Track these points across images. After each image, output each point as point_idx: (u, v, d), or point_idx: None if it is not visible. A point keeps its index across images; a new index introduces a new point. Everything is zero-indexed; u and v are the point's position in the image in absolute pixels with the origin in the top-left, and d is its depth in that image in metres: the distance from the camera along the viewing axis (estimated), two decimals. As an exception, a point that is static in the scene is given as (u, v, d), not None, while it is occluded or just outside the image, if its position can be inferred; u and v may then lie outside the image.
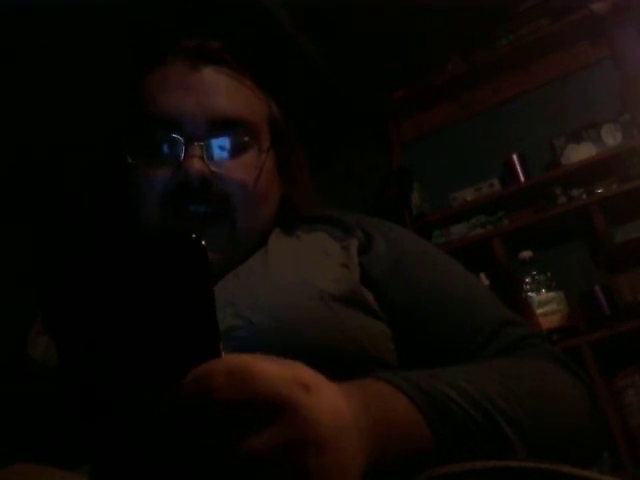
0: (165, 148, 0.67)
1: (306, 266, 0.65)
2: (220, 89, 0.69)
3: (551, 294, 2.13)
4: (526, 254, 2.22)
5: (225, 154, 0.68)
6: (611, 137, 2.28)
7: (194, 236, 0.34)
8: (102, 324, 0.33)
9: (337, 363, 0.37)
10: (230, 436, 0.32)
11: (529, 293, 2.15)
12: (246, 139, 0.69)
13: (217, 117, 0.67)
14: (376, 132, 2.76)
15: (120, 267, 0.33)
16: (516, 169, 2.40)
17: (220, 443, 0.31)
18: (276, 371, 0.33)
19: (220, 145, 0.68)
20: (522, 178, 2.38)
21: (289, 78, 0.76)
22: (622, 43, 2.39)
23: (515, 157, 2.41)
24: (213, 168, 0.66)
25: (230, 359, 0.33)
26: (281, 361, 0.35)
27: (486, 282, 2.32)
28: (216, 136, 0.67)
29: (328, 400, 0.35)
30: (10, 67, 1.70)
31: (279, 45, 2.09)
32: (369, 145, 2.75)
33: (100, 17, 1.68)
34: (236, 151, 0.68)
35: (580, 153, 2.29)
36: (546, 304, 2.11)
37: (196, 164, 0.64)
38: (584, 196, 2.24)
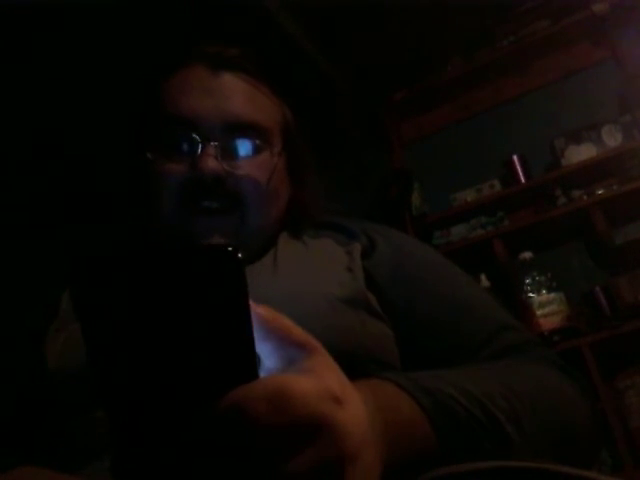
0: (183, 146, 0.70)
1: (312, 270, 0.67)
2: (237, 94, 0.72)
3: (551, 295, 2.12)
4: (526, 255, 2.22)
5: (238, 155, 0.71)
6: (611, 138, 2.28)
7: (231, 248, 0.32)
8: (134, 337, 0.32)
9: (341, 365, 0.37)
10: (272, 459, 0.32)
11: (529, 294, 2.15)
12: (259, 142, 0.72)
13: (233, 120, 0.70)
14: (376, 133, 2.76)
15: (155, 279, 0.32)
16: (516, 170, 2.40)
17: (262, 466, 0.31)
18: (311, 389, 0.33)
19: (234, 146, 0.71)
20: (522, 179, 2.38)
21: (289, 78, 0.78)
22: (622, 44, 2.39)
23: (515, 158, 2.41)
24: (227, 167, 0.69)
25: (268, 382, 0.33)
26: (313, 369, 0.35)
27: (486, 283, 2.32)
28: (231, 138, 0.70)
29: (356, 410, 0.36)
30: (33, 66, 1.72)
31: (279, 45, 2.09)
32: (369, 146, 2.75)
33: (121, 17, 1.70)
34: (249, 152, 0.71)
35: (580, 154, 2.29)
36: (546, 305, 2.11)
37: (210, 163, 0.67)
38: (584, 197, 2.24)
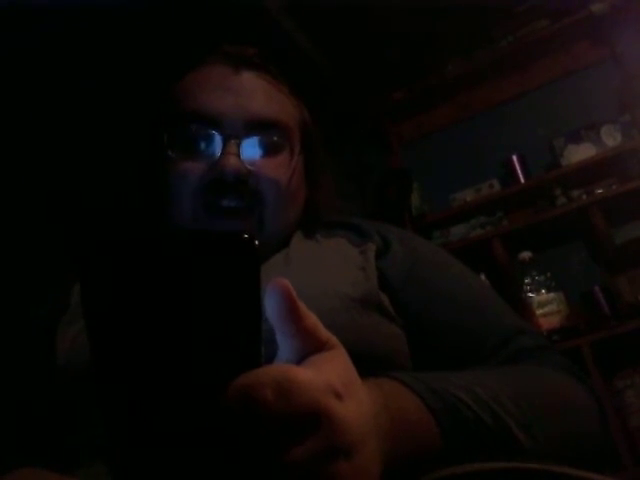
0: (203, 144, 0.70)
1: (325, 269, 0.67)
2: (258, 92, 0.72)
3: (551, 295, 2.12)
4: (526, 255, 2.22)
5: (259, 153, 0.71)
6: (611, 137, 2.28)
7: (247, 236, 0.32)
8: (140, 321, 0.31)
9: (353, 364, 0.37)
10: (274, 446, 0.32)
11: (529, 294, 2.15)
12: (280, 140, 0.72)
13: (254, 118, 0.70)
14: (376, 133, 2.76)
15: (165, 262, 0.31)
16: (516, 170, 2.40)
17: (264, 453, 0.31)
18: (313, 380, 0.33)
19: (255, 144, 0.70)
20: (522, 179, 2.38)
21: (289, 78, 0.78)
22: (621, 43, 2.39)
23: (515, 158, 2.41)
24: (248, 166, 0.68)
25: (274, 370, 0.33)
26: (314, 363, 0.35)
27: (486, 283, 2.32)
28: (252, 135, 0.70)
29: (357, 407, 0.36)
30: (58, 60, 1.73)
31: (279, 45, 2.09)
32: (369, 146, 2.75)
33: (128, 18, 1.72)
34: (270, 151, 0.71)
35: (580, 154, 2.29)
36: (546, 305, 2.11)
37: (232, 161, 0.67)
38: (584, 197, 2.24)
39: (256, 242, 0.32)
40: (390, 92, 2.66)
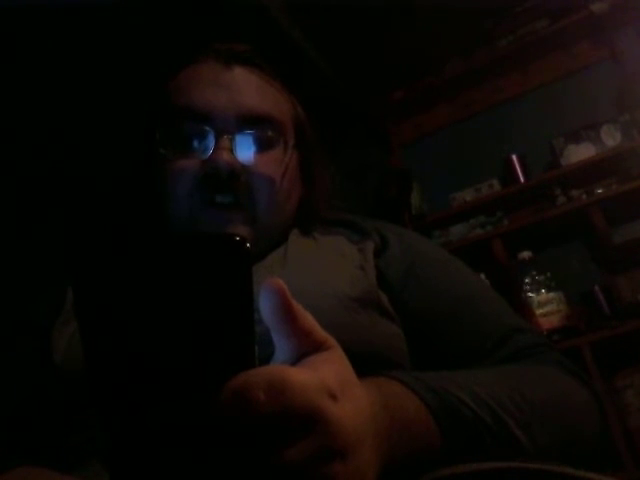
0: (196, 140, 0.69)
1: (323, 268, 0.67)
2: (250, 87, 0.72)
3: (551, 294, 2.12)
4: (526, 254, 2.22)
5: (253, 148, 0.70)
6: (610, 137, 2.28)
7: (238, 238, 0.32)
8: (134, 323, 0.32)
9: (351, 364, 0.37)
10: (267, 447, 0.32)
11: (529, 293, 2.15)
12: (273, 135, 0.71)
13: (246, 113, 0.70)
14: (375, 132, 2.76)
15: (158, 264, 0.32)
16: (516, 170, 2.40)
17: (257, 454, 0.31)
18: (307, 381, 0.33)
19: (248, 139, 0.70)
20: (522, 179, 2.38)
21: (288, 78, 0.78)
22: (622, 43, 2.39)
23: (515, 157, 2.41)
24: (241, 161, 0.68)
25: (267, 371, 0.32)
26: (310, 364, 0.35)
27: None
28: (245, 130, 0.70)
29: (353, 408, 0.35)
30: (50, 58, 1.74)
31: (278, 45, 2.09)
32: (368, 145, 2.75)
33: (126, 16, 1.72)
34: (263, 146, 0.71)
35: (580, 153, 2.29)
36: (546, 304, 2.11)
37: (225, 156, 0.66)
38: (584, 196, 2.24)
39: (248, 244, 0.32)
40: (390, 92, 2.66)
